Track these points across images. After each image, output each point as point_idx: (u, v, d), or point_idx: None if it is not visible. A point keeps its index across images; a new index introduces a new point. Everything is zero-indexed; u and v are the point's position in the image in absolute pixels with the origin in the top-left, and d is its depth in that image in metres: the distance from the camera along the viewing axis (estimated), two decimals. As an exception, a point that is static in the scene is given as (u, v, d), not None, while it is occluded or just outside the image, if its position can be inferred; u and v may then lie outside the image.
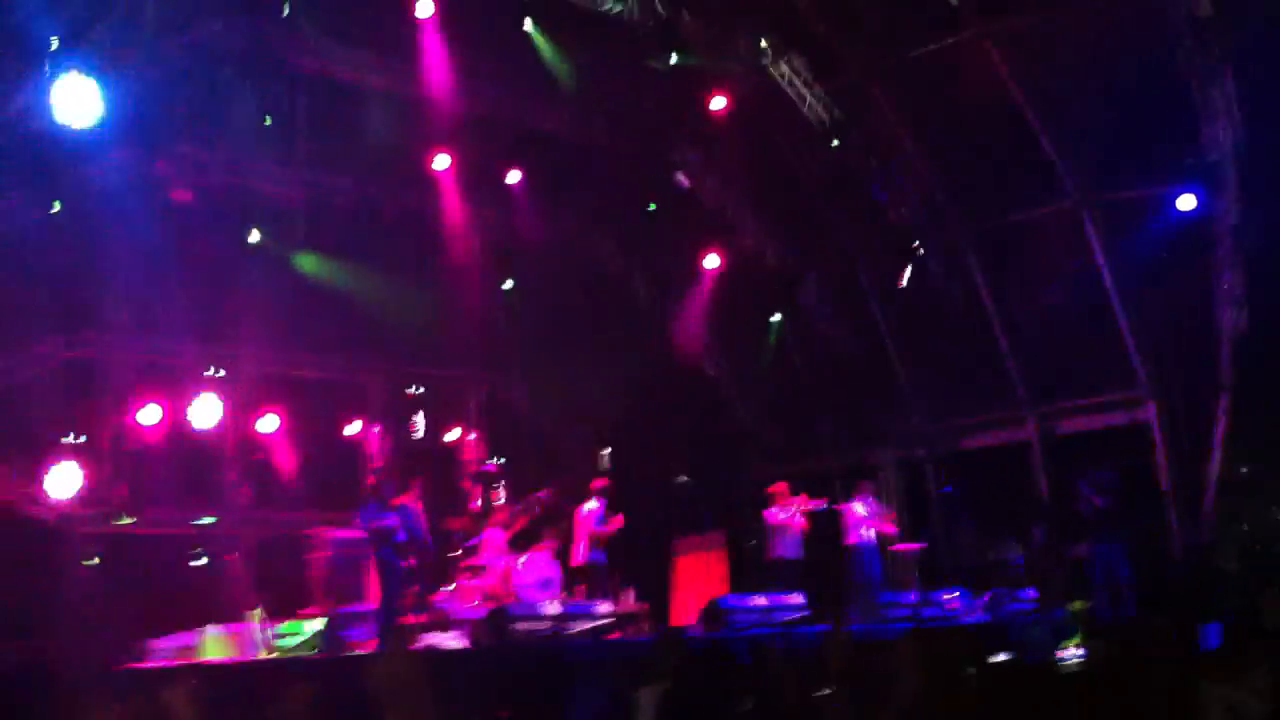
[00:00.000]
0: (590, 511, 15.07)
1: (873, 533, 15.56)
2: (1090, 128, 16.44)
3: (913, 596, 14.94)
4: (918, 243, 18.01)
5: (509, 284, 20.15)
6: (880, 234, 18.43)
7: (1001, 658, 8.89)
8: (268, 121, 16.31)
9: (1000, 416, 18.62)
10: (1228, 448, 15.65)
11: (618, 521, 15.00)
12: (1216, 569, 15.49)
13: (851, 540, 15.71)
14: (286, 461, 18.00)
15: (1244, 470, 15.72)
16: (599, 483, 15.48)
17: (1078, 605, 14.47)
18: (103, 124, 13.04)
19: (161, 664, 12.06)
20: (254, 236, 17.12)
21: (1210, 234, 15.43)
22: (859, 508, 15.72)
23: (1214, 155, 15.13)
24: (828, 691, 4.46)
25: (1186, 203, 15.26)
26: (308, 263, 17.67)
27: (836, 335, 19.54)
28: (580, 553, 15.02)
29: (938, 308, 18.36)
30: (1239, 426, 15.60)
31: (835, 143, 17.53)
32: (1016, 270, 17.98)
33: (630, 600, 14.95)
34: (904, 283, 18.18)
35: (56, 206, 14.75)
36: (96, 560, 16.06)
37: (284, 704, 6.02)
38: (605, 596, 14.34)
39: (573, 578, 15.05)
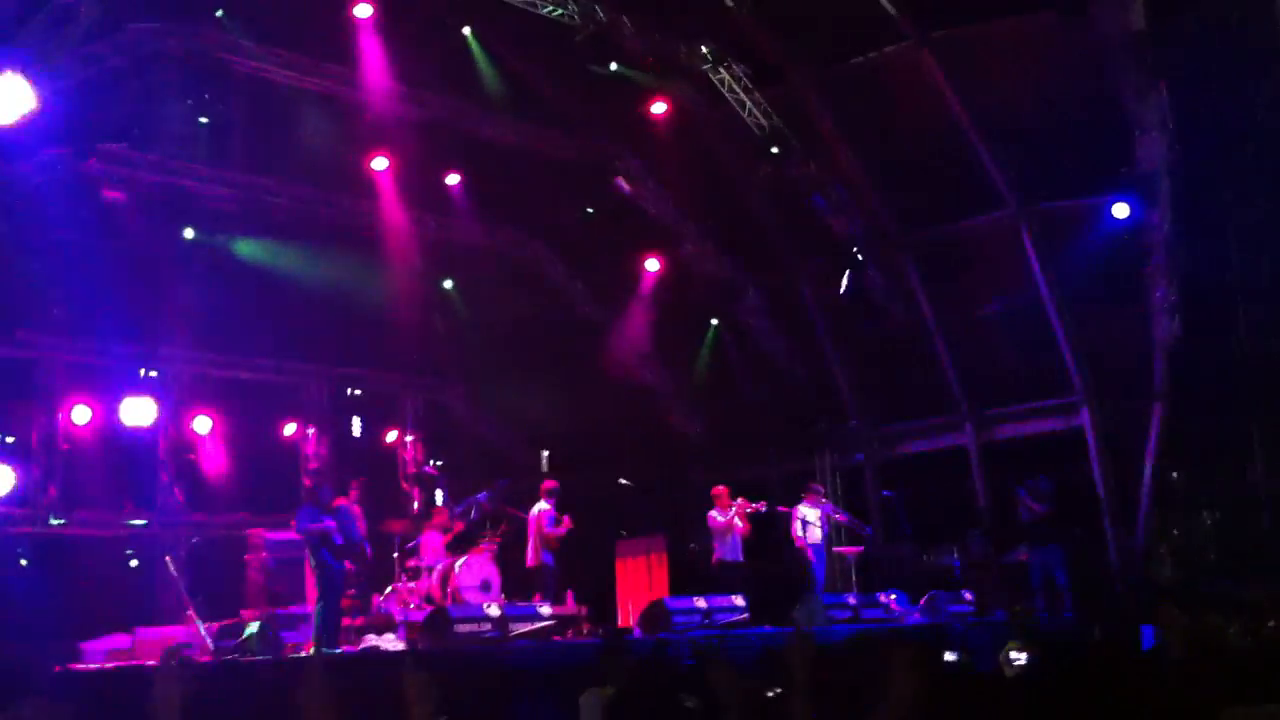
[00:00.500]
0: (541, 513, 14.94)
1: (819, 534, 15.65)
2: (1027, 138, 16.64)
3: (854, 598, 15.01)
4: (857, 251, 18.11)
5: (448, 286, 20.03)
6: (820, 242, 18.52)
7: (950, 657, 8.94)
8: (203, 122, 16.16)
9: (939, 423, 18.80)
10: (1161, 455, 15.88)
11: (568, 523, 14.88)
12: (1152, 575, 15.70)
13: (799, 543, 15.80)
14: (221, 463, 17.80)
15: (1175, 477, 15.96)
16: (549, 484, 15.32)
17: (1016, 609, 14.61)
18: (33, 122, 12.85)
19: (94, 666, 11.82)
20: (188, 236, 16.92)
21: (1144, 245, 15.63)
22: (806, 510, 15.79)
23: (1147, 167, 15.34)
24: (776, 693, 4.42)
25: (1121, 211, 15.47)
26: (245, 248, 17.47)
27: (776, 342, 19.61)
28: (531, 554, 14.89)
29: (877, 316, 18.48)
30: (1172, 434, 15.83)
31: (774, 150, 17.59)
32: (955, 279, 18.15)
33: (570, 602, 14.91)
34: (843, 291, 18.29)
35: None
36: (24, 562, 15.78)
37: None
38: (553, 599, 14.29)
39: (524, 579, 14.95)
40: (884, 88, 17.40)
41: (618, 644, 8.97)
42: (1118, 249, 15.82)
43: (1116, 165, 15.48)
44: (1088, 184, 16.04)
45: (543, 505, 15.00)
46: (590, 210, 19.38)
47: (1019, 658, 9.29)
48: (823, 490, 16.49)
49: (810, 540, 15.66)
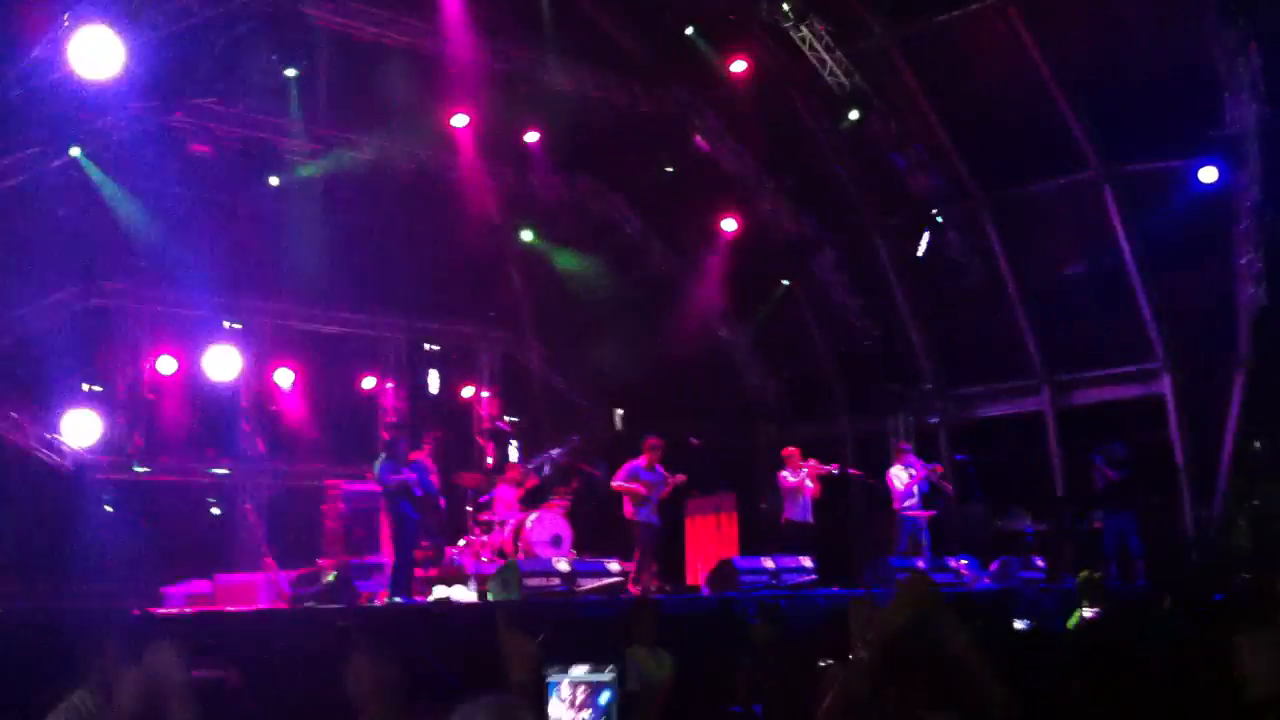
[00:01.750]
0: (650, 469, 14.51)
1: (916, 499, 15.61)
2: (1112, 99, 16.34)
3: (923, 563, 14.98)
4: (936, 211, 17.93)
5: (527, 240, 20.11)
6: (898, 201, 18.36)
7: (1018, 625, 8.94)
8: (288, 75, 16.32)
9: (1015, 386, 18.60)
10: (1242, 424, 15.61)
11: (679, 479, 14.62)
12: (1228, 544, 15.48)
13: (896, 506, 15.80)
14: (301, 414, 18.13)
15: (1257, 446, 15.69)
16: (652, 440, 14.65)
17: (1086, 575, 14.50)
18: (121, 76, 13.09)
19: (176, 610, 12.14)
20: (272, 188, 17.16)
21: (1231, 209, 15.32)
22: (900, 473, 15.77)
23: (1236, 130, 15.00)
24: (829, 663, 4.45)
25: (1208, 176, 15.16)
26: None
27: (852, 301, 19.50)
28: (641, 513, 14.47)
29: (954, 276, 18.30)
30: (1254, 403, 15.56)
31: (855, 111, 17.43)
32: (1035, 241, 17.91)
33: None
34: (921, 251, 18.13)
35: (75, 153, 14.79)
36: (109, 508, 16.21)
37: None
38: (654, 556, 14.34)
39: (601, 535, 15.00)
40: (966, 45, 17.14)
41: (645, 602, 9.06)
42: (1203, 213, 15.51)
43: (1204, 127, 15.14)
44: (1174, 146, 15.70)
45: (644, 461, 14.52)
46: (669, 168, 19.30)
47: (1088, 614, 9.29)
48: (911, 448, 16.36)
49: (907, 505, 15.63)
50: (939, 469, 16.12)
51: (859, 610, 3.61)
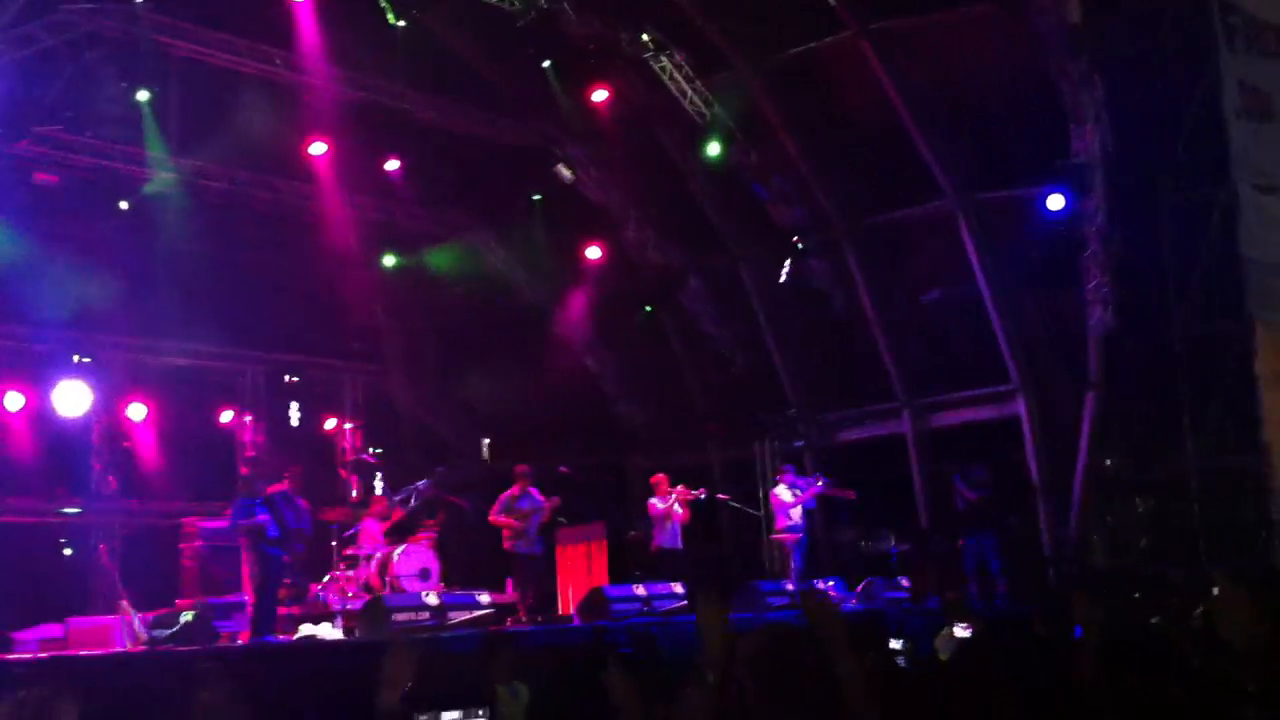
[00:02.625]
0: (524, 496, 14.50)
1: (800, 514, 15.70)
2: (965, 129, 16.82)
3: (792, 585, 15.10)
4: (797, 240, 18.19)
5: (389, 272, 19.87)
6: (761, 230, 18.59)
7: (896, 645, 9.01)
8: (139, 104, 15.89)
9: (877, 410, 18.94)
10: (1095, 442, 16.08)
11: (555, 501, 14.57)
12: (1085, 561, 15.92)
13: (780, 525, 15.87)
14: (156, 450, 17.59)
15: (1109, 464, 16.17)
16: (521, 468, 14.71)
17: (951, 596, 14.74)
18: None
19: (26, 656, 11.65)
20: (122, 220, 16.69)
21: (1079, 236, 15.82)
22: (784, 492, 15.85)
23: (1082, 159, 15.52)
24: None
25: (1056, 204, 15.64)
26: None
27: (718, 329, 19.66)
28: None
29: (817, 304, 18.59)
30: (1105, 422, 16.04)
31: (715, 143, 17.63)
32: (894, 268, 18.31)
33: (510, 590, 14.89)
34: (784, 279, 18.37)
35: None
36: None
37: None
38: (534, 585, 14.17)
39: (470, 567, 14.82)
40: (823, 77, 17.53)
41: (499, 639, 8.98)
42: (1054, 238, 16.00)
43: (1053, 156, 15.64)
44: (1025, 174, 16.24)
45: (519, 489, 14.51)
46: (536, 197, 19.27)
47: (959, 635, 9.38)
48: (793, 468, 16.45)
49: (793, 522, 15.72)
50: (823, 481, 16.23)
51: (713, 614, 3.43)
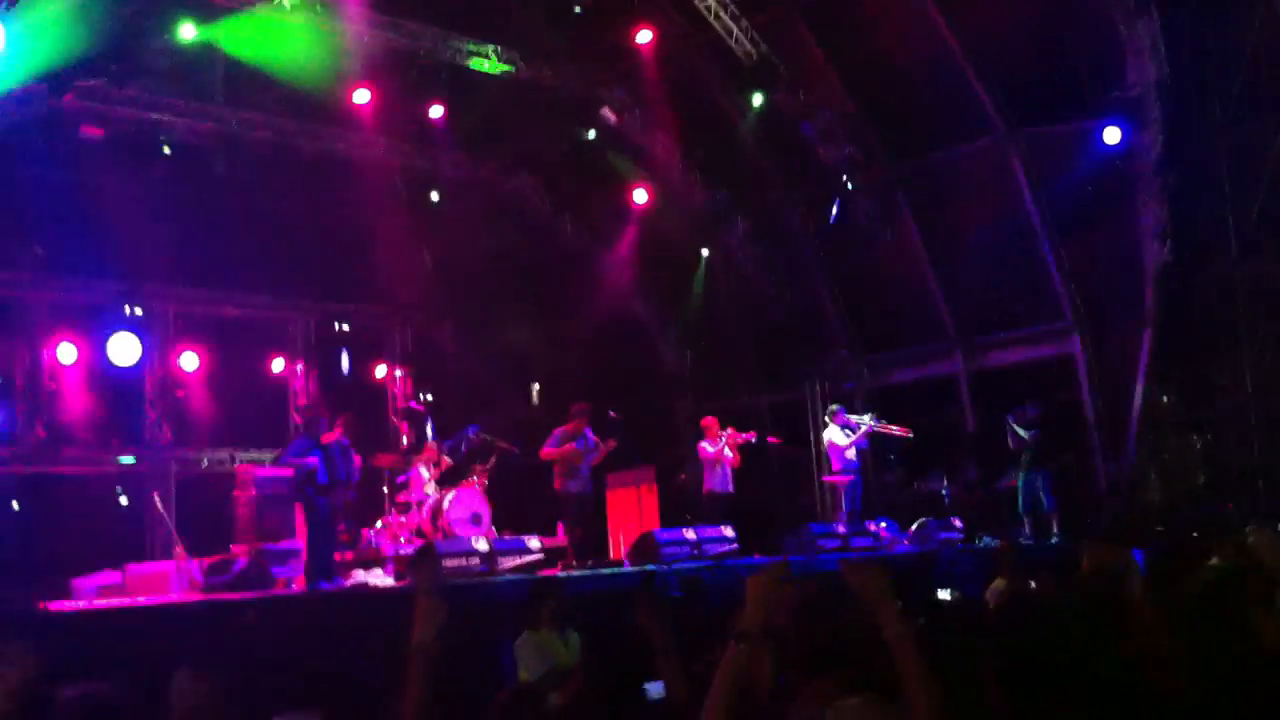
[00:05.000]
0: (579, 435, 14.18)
1: (853, 455, 15.61)
2: (1017, 63, 16.47)
3: (843, 527, 15.03)
4: (845, 179, 17.97)
5: (435, 220, 19.84)
6: (808, 171, 18.38)
7: (943, 595, 8.98)
8: (182, 54, 15.86)
9: (928, 350, 18.78)
10: (1151, 379, 15.85)
11: (611, 444, 14.27)
12: (1140, 499, 15.74)
13: (835, 467, 15.81)
14: (208, 399, 17.78)
15: (1165, 401, 15.94)
16: (580, 406, 14.29)
17: (1004, 535, 14.69)
18: (5, 59, 12.66)
19: (85, 604, 11.82)
20: (169, 172, 16.75)
21: (1135, 169, 15.53)
22: (838, 434, 15.74)
23: (1138, 91, 15.20)
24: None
25: (1112, 137, 15.35)
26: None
27: (765, 272, 19.51)
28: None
29: (866, 244, 18.39)
30: (1160, 359, 15.80)
31: (761, 83, 17.38)
32: (945, 206, 18.04)
33: (561, 535, 14.91)
34: (831, 219, 18.18)
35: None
36: (15, 503, 15.80)
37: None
38: (583, 526, 14.13)
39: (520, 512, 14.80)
40: (871, 12, 17.23)
41: (545, 586, 8.96)
42: (1109, 174, 15.72)
43: (1108, 89, 15.32)
44: (1078, 108, 15.90)
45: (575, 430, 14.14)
46: (580, 140, 19.10)
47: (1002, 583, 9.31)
48: (844, 409, 16.28)
49: (846, 463, 15.65)
50: (875, 419, 16.11)
51: (762, 583, 3.33)
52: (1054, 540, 14.68)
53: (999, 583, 9.00)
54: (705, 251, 19.91)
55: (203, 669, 4.06)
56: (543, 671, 6.91)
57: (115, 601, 11.49)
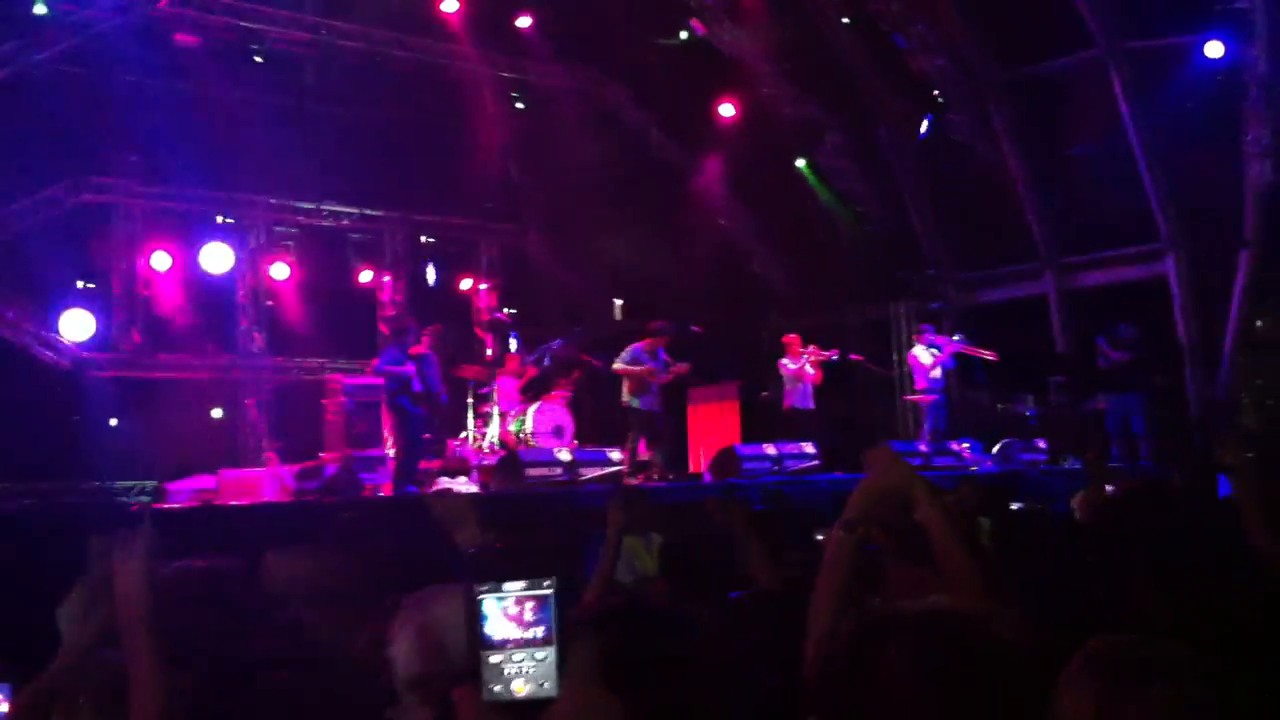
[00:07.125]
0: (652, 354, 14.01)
1: (939, 375, 15.54)
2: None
3: (925, 446, 14.96)
4: (937, 93, 17.62)
5: (522, 129, 19.82)
6: (901, 84, 18.04)
7: (1015, 506, 8.87)
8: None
9: (1019, 270, 18.48)
10: (1247, 303, 15.49)
11: (683, 367, 14.13)
12: (1233, 423, 15.45)
13: (919, 386, 15.76)
14: (299, 308, 18.04)
15: (1260, 324, 15.59)
16: (657, 324, 14.13)
17: (1091, 454, 14.48)
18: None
19: (180, 505, 12.16)
20: (262, 81, 16.90)
21: (1239, 85, 15.05)
22: (923, 352, 15.67)
23: (1244, 2, 14.69)
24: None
25: (1214, 51, 14.89)
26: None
27: (857, 187, 19.27)
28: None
29: (958, 159, 18.06)
30: (1259, 281, 15.43)
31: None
32: (1040, 122, 17.62)
33: (642, 448, 14.97)
34: (922, 134, 17.88)
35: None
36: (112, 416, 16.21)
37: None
38: (648, 442, 14.19)
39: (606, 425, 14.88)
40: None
41: (631, 493, 9.01)
42: (1211, 90, 15.25)
43: (1211, 1, 14.82)
44: (1181, 21, 15.41)
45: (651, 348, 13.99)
46: (673, 50, 18.90)
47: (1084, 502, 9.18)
48: (931, 328, 16.18)
49: (931, 382, 15.57)
50: (961, 338, 15.95)
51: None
52: (1141, 463, 14.47)
53: (1083, 494, 8.91)
54: (801, 162, 19.60)
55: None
56: (629, 577, 7.02)
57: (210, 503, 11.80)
